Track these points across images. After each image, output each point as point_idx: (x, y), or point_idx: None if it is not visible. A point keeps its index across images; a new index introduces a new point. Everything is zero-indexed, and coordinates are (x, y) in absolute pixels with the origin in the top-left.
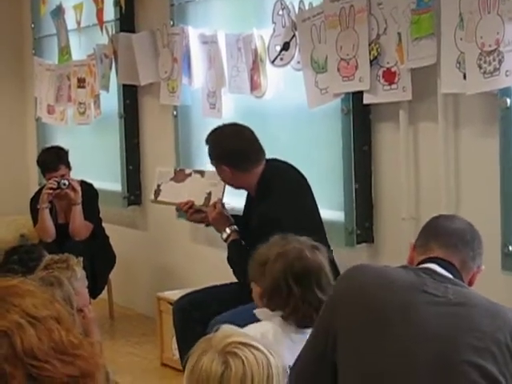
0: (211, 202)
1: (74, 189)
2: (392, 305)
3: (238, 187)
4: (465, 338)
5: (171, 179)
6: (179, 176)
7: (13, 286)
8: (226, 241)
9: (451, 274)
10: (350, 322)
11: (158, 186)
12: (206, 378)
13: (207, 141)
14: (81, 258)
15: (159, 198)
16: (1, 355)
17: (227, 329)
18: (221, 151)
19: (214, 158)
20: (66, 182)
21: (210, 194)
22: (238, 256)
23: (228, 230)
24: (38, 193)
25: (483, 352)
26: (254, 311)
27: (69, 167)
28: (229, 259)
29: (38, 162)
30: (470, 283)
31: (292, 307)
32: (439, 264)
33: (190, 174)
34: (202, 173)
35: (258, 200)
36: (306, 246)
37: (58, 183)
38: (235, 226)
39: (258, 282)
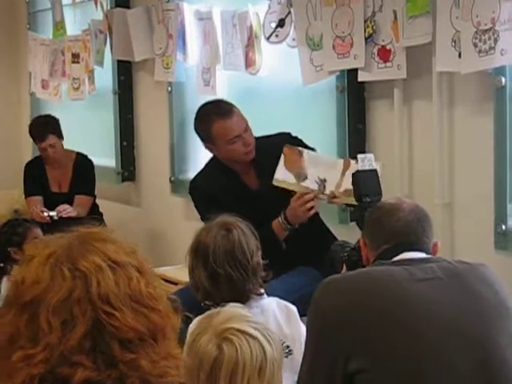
0: (327, 191)
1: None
2: (396, 306)
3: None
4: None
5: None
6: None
7: (96, 232)
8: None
9: (422, 251)
10: (371, 344)
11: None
12: (201, 358)
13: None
14: None
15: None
16: (74, 296)
17: (230, 310)
18: None
19: None
20: (56, 217)
21: (324, 180)
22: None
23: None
24: (35, 159)
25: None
26: None
27: (60, 136)
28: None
29: (29, 131)
30: None
31: None
32: (407, 250)
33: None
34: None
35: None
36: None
37: (51, 218)
38: None
39: None
